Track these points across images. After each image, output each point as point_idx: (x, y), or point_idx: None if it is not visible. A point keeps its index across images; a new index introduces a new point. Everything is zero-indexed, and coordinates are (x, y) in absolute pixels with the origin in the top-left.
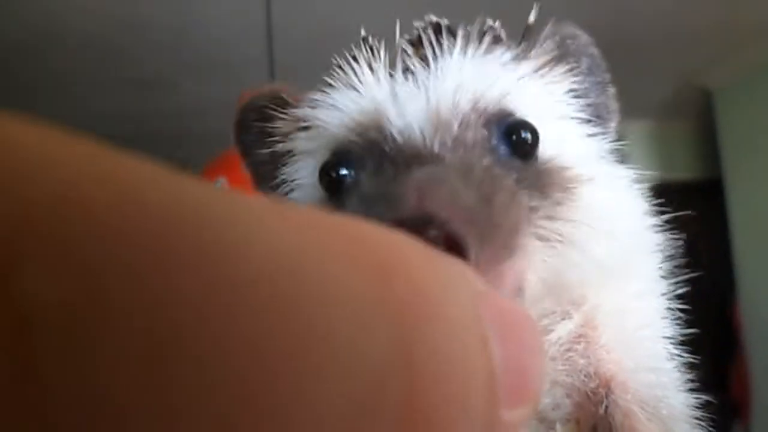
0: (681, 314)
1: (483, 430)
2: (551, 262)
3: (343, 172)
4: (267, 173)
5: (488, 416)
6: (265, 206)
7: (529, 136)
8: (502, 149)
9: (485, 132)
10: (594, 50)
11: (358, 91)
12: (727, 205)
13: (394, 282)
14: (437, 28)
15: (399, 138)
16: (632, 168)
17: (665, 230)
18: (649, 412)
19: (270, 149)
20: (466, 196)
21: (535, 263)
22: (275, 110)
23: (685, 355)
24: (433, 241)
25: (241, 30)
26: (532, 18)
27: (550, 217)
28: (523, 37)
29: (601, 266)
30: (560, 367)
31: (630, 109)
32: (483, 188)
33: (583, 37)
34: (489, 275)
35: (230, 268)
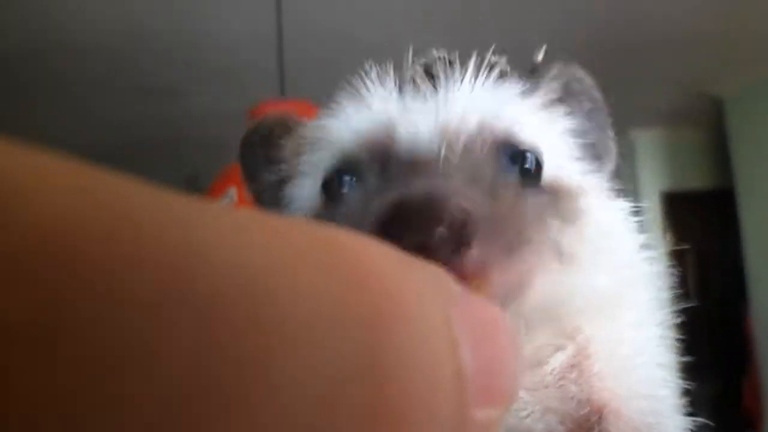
0: (680, 340)
1: (452, 430)
2: (551, 283)
3: (346, 180)
4: (270, 199)
5: (457, 417)
6: (244, 214)
7: (533, 163)
8: (507, 173)
9: (492, 153)
10: (597, 94)
11: (368, 106)
12: (739, 215)
13: (364, 287)
14: (448, 59)
15: (407, 148)
16: (630, 202)
17: (662, 261)
18: None
19: (275, 174)
20: (473, 196)
21: (537, 270)
22: (282, 134)
23: (689, 377)
24: (438, 238)
25: (251, 39)
26: (540, 57)
27: (553, 236)
28: (530, 74)
29: (599, 294)
30: (553, 395)
31: (640, 117)
32: (489, 193)
33: (588, 81)
34: (492, 274)
35: (193, 273)
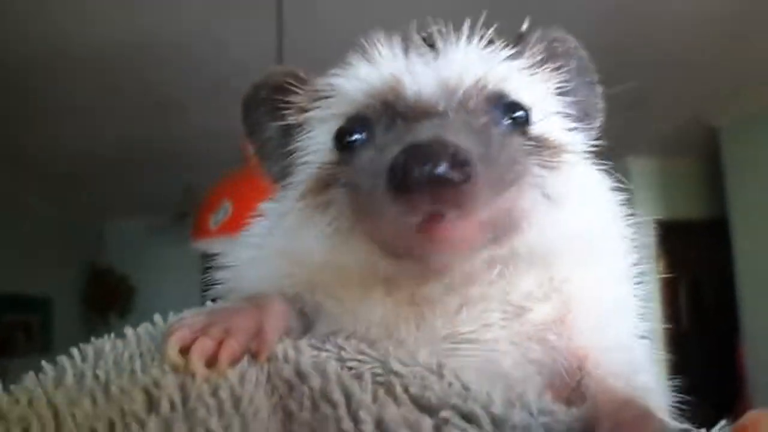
0: (673, 368)
1: None
2: (538, 222)
3: (356, 136)
4: (273, 150)
5: None
6: None
7: (523, 114)
8: (500, 122)
9: (486, 105)
10: (582, 53)
11: (376, 65)
12: (733, 245)
13: None
14: (443, 29)
15: (411, 99)
16: (607, 163)
17: (636, 223)
18: (622, 382)
19: (281, 123)
20: (471, 140)
21: (532, 201)
22: (291, 85)
23: (682, 404)
24: (444, 173)
25: (252, 56)
26: (524, 28)
27: (544, 168)
28: (515, 43)
29: (580, 239)
30: (535, 346)
31: (635, 145)
32: (484, 138)
33: (571, 41)
34: (490, 204)
35: None
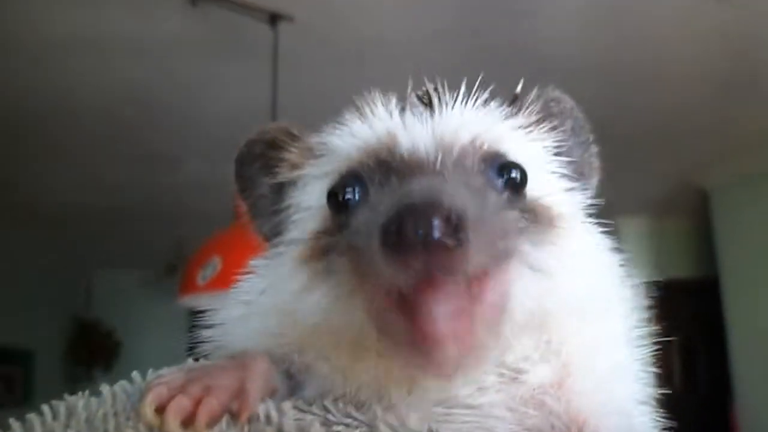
0: (666, 430)
1: None
2: (534, 288)
3: (349, 195)
4: (265, 208)
5: None
6: None
7: (518, 175)
8: (496, 182)
9: (481, 165)
10: (578, 113)
11: (371, 123)
12: (724, 305)
13: None
14: (440, 89)
15: (406, 155)
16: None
17: (635, 286)
18: None
19: (274, 180)
20: (466, 199)
21: (522, 278)
22: (285, 142)
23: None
24: (438, 231)
25: (247, 111)
26: (518, 89)
27: (536, 243)
28: (511, 103)
29: (578, 303)
30: (532, 412)
31: (626, 206)
32: (479, 198)
33: (567, 101)
34: (482, 279)
35: None
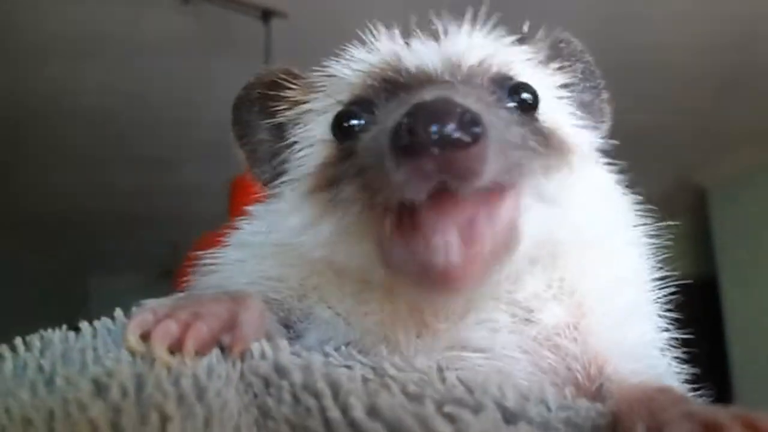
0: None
1: None
2: (545, 218)
3: (356, 120)
4: (265, 152)
5: None
6: None
7: (530, 96)
8: (506, 102)
9: (491, 85)
10: (588, 57)
11: (375, 48)
12: (722, 304)
13: None
14: (445, 19)
15: (414, 70)
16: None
17: (645, 226)
18: (648, 380)
19: (274, 121)
20: (479, 104)
21: (533, 207)
22: (286, 81)
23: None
24: (451, 134)
25: None
26: (525, 29)
27: (548, 170)
28: (519, 41)
29: (589, 237)
30: (547, 354)
31: None
32: (493, 108)
33: (577, 43)
34: (494, 197)
35: None
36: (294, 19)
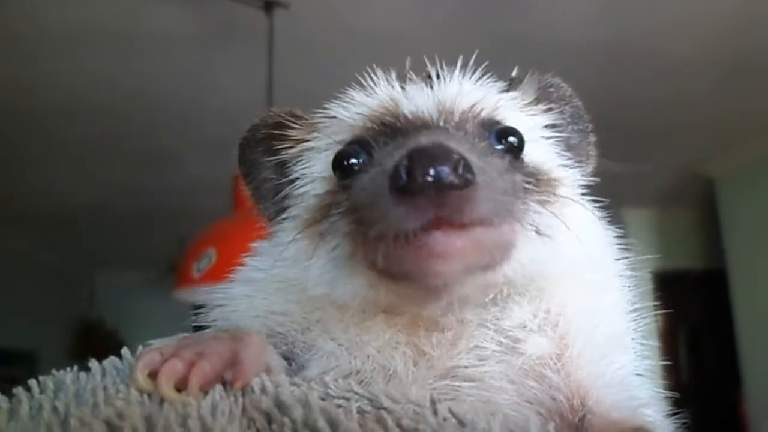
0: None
1: None
2: (536, 251)
3: (354, 159)
4: (269, 190)
5: None
6: None
7: (516, 140)
8: (495, 144)
9: (481, 130)
10: (577, 101)
11: (373, 92)
12: (731, 295)
13: None
14: (438, 65)
15: (410, 116)
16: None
17: (630, 259)
18: (627, 415)
19: (278, 159)
20: (471, 150)
21: (526, 240)
22: (289, 122)
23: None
24: (446, 178)
25: (243, 109)
26: (514, 73)
27: (540, 206)
28: (509, 85)
29: (577, 270)
30: (532, 384)
31: (632, 196)
32: (484, 154)
33: (566, 88)
34: (488, 227)
35: None
36: (296, 9)
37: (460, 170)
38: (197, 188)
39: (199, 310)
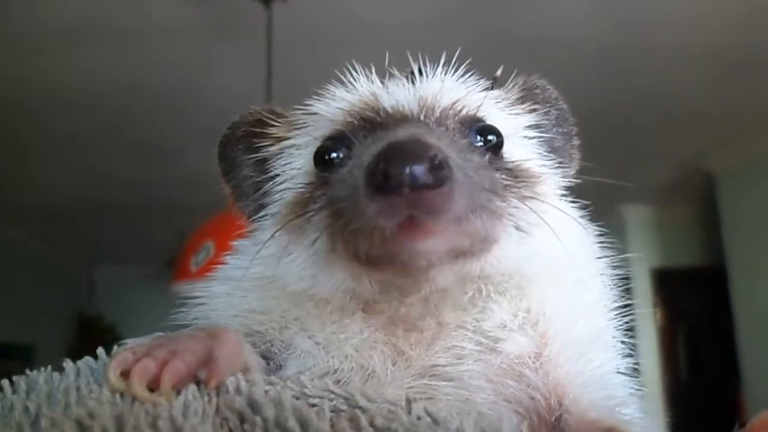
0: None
1: None
2: (509, 249)
3: (335, 154)
4: (249, 188)
5: None
6: None
7: (495, 137)
8: (475, 142)
9: (461, 127)
10: (562, 104)
11: (354, 88)
12: (730, 291)
13: None
14: (421, 63)
15: (390, 110)
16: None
17: (611, 257)
18: (604, 415)
19: (258, 156)
20: (450, 146)
21: (506, 237)
22: (270, 119)
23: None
24: (420, 178)
25: (241, 101)
26: (498, 72)
27: (519, 203)
28: (492, 84)
29: (556, 268)
30: (510, 383)
31: (631, 193)
32: (463, 151)
33: (552, 91)
34: (463, 219)
35: None
36: (295, 1)
37: (435, 169)
38: (196, 182)
39: (181, 308)
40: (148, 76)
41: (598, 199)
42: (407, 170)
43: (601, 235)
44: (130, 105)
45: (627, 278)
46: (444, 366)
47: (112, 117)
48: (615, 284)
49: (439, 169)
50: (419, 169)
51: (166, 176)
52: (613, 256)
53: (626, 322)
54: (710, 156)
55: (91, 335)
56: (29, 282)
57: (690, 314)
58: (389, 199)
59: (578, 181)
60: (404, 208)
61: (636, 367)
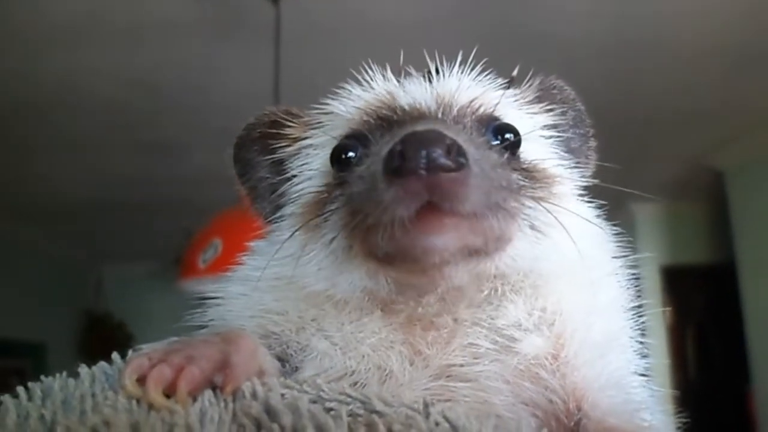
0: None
1: None
2: (523, 248)
3: (352, 152)
4: (265, 189)
5: None
6: None
7: (512, 136)
8: (492, 140)
9: (478, 125)
10: (580, 105)
11: (371, 87)
12: (740, 289)
13: None
14: (438, 62)
15: (407, 108)
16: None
17: (628, 257)
18: (623, 421)
19: (274, 157)
20: (467, 142)
21: (522, 236)
22: (285, 120)
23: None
24: (438, 159)
25: (249, 99)
26: (515, 72)
27: (535, 202)
28: (509, 84)
29: (572, 268)
30: (528, 385)
31: (640, 190)
32: (481, 148)
33: (570, 92)
34: (482, 219)
35: None
36: None
37: (453, 153)
38: (203, 179)
39: (196, 309)
40: (155, 74)
41: (607, 197)
42: (424, 152)
43: (615, 234)
44: (137, 103)
45: (638, 277)
46: (461, 366)
47: (119, 116)
48: (630, 284)
49: (456, 154)
50: (437, 152)
51: (174, 174)
52: (627, 255)
53: (640, 322)
54: (719, 153)
55: (101, 332)
56: (39, 280)
57: (699, 312)
58: (407, 182)
59: (589, 180)
60: (422, 191)
61: (662, 365)
